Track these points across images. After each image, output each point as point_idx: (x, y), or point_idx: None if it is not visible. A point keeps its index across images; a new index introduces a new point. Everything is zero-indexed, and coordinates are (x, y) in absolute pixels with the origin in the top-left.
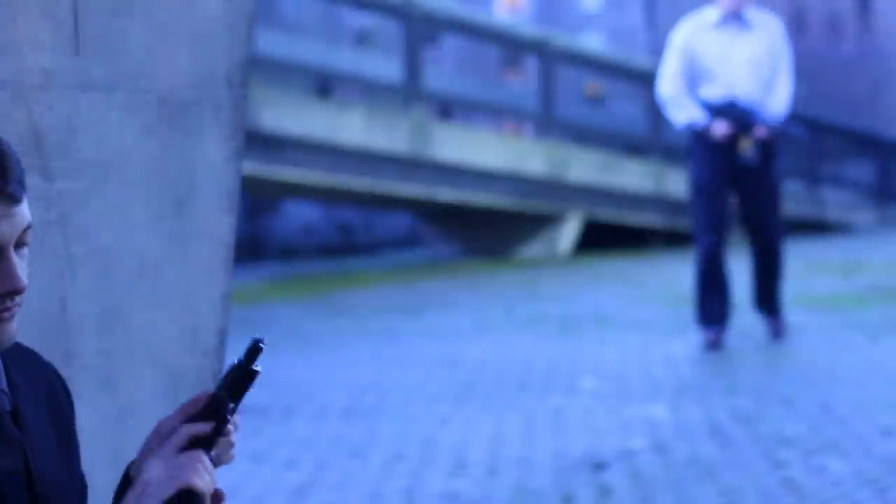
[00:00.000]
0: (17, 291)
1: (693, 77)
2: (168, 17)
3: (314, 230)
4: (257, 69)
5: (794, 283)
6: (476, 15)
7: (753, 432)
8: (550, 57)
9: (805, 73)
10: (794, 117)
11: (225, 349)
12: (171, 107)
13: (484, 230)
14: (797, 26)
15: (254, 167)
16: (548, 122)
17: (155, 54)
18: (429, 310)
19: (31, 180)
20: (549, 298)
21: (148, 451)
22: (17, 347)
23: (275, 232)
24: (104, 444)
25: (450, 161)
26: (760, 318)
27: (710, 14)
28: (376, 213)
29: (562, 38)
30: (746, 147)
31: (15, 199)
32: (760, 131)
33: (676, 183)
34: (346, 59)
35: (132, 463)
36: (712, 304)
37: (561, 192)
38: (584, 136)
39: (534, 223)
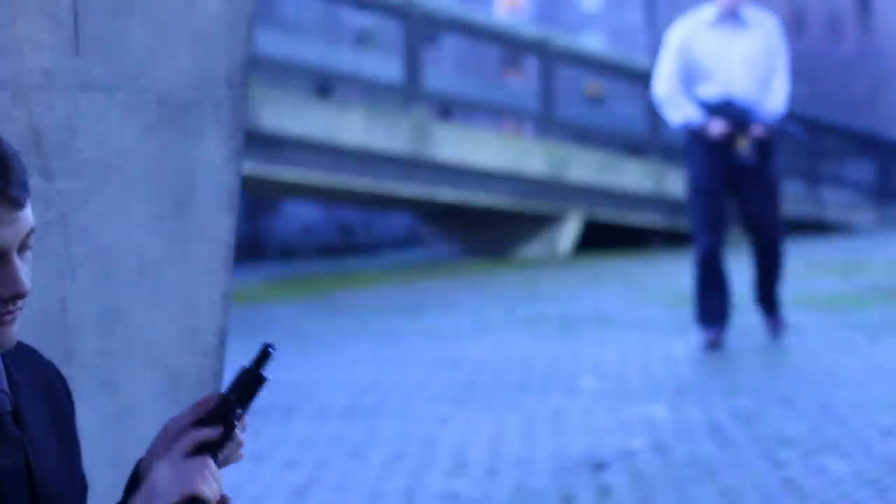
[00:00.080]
0: (20, 296)
1: (689, 76)
2: (168, 17)
3: (314, 230)
4: (257, 69)
5: (794, 283)
6: (476, 15)
7: (753, 432)
8: (550, 57)
9: (805, 73)
10: (792, 116)
11: (225, 349)
12: (171, 107)
13: (484, 230)
14: (797, 26)
15: (254, 167)
16: (548, 122)
17: (155, 54)
18: (429, 310)
19: (31, 180)
20: (549, 298)
21: (156, 450)
22: (18, 346)
23: (275, 232)
24: (104, 444)
25: (450, 161)
26: (760, 316)
27: (707, 12)
28: (376, 213)
29: (562, 38)
30: (743, 146)
31: (19, 204)
32: (757, 130)
33: (676, 183)
34: (346, 59)
35: (141, 461)
36: (712, 303)
37: (561, 192)
38: (584, 136)
39: (534, 223)
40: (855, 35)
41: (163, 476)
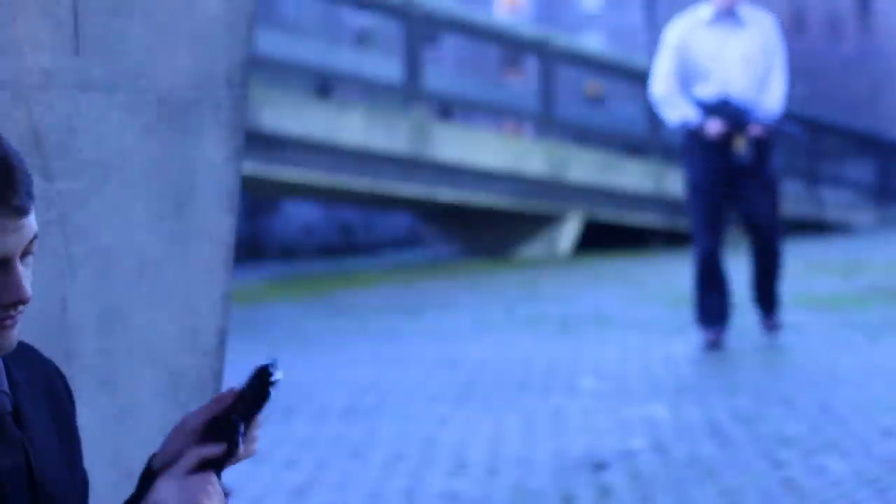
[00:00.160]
0: (22, 302)
1: (687, 75)
2: (168, 17)
3: (314, 230)
4: (257, 69)
5: (794, 283)
6: (476, 15)
7: (753, 432)
8: (550, 57)
9: (805, 73)
10: (790, 115)
11: (225, 349)
12: (171, 107)
13: (484, 230)
14: (797, 26)
15: (254, 167)
16: (548, 122)
17: (155, 54)
18: (429, 310)
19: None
20: (549, 298)
21: (171, 444)
22: (17, 345)
23: (275, 232)
24: (104, 444)
25: (450, 161)
26: (757, 316)
27: (704, 11)
28: (376, 213)
29: (562, 38)
30: (741, 145)
31: (23, 212)
32: (755, 129)
33: (676, 183)
34: (346, 59)
35: (154, 456)
36: (712, 303)
37: (561, 192)
38: (584, 136)
39: (534, 223)
40: (855, 35)
41: (167, 492)
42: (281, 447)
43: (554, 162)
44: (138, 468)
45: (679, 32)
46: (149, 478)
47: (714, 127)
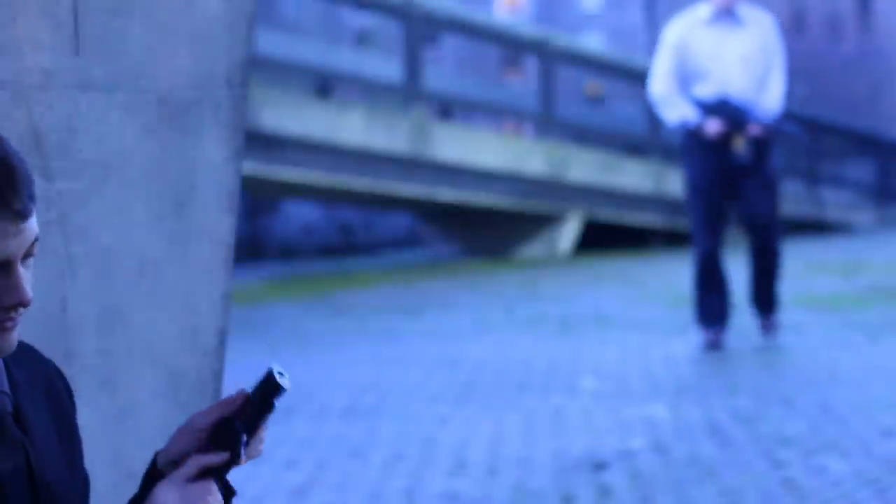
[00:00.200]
0: (23, 304)
1: (686, 75)
2: (168, 17)
3: (314, 230)
4: (257, 69)
5: (794, 283)
6: (476, 15)
7: (753, 432)
8: (550, 57)
9: (805, 72)
10: (789, 115)
11: (225, 349)
12: (171, 107)
13: (484, 230)
14: (797, 26)
15: (254, 167)
16: (548, 122)
17: (155, 54)
18: (429, 310)
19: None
20: (549, 298)
21: (177, 442)
22: (17, 345)
23: (275, 232)
24: (104, 444)
25: (450, 161)
26: (755, 316)
27: (703, 11)
28: (376, 213)
29: (562, 38)
30: (740, 145)
31: (25, 216)
32: (754, 129)
33: (676, 183)
34: (346, 59)
35: (159, 453)
36: (711, 304)
37: (561, 192)
38: (584, 136)
39: (534, 223)
40: (855, 35)
41: (167, 498)
42: (281, 447)
43: (554, 162)
44: (138, 468)
45: (678, 32)
46: (153, 475)
47: (713, 127)
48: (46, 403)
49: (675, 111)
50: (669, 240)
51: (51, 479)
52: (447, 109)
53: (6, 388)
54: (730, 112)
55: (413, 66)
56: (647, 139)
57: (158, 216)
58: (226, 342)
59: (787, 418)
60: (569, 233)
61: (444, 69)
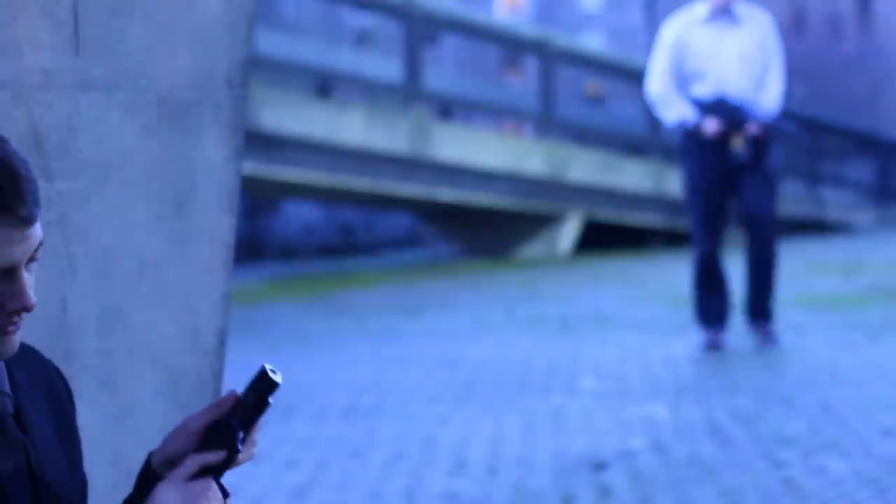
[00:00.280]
0: (26, 309)
1: (683, 74)
2: (168, 17)
3: (314, 230)
4: (257, 69)
5: (794, 283)
6: (476, 15)
7: (753, 432)
8: (550, 57)
9: (805, 72)
10: (787, 114)
11: (225, 349)
12: (171, 107)
13: (484, 230)
14: (797, 26)
15: (254, 167)
16: (548, 122)
17: (155, 54)
18: (429, 310)
19: None
20: (549, 298)
21: (170, 444)
22: (19, 346)
23: (275, 232)
24: (104, 444)
25: (450, 161)
26: (750, 325)
27: (700, 9)
28: (376, 213)
29: (562, 38)
30: (738, 144)
31: (30, 223)
32: (752, 128)
33: (676, 183)
34: (346, 59)
35: (153, 453)
36: (711, 304)
37: (561, 192)
38: (584, 136)
39: (534, 223)
40: (855, 35)
41: (168, 497)
42: (281, 447)
43: (554, 162)
44: (138, 468)
45: (675, 31)
46: (147, 475)
47: (711, 126)
48: (47, 404)
49: (673, 111)
50: (669, 240)
51: (51, 479)
52: (447, 109)
53: (7, 389)
54: (728, 111)
55: (413, 66)
56: (647, 139)
57: (158, 216)
58: (226, 342)
59: (787, 418)
60: (569, 233)
61: (444, 69)
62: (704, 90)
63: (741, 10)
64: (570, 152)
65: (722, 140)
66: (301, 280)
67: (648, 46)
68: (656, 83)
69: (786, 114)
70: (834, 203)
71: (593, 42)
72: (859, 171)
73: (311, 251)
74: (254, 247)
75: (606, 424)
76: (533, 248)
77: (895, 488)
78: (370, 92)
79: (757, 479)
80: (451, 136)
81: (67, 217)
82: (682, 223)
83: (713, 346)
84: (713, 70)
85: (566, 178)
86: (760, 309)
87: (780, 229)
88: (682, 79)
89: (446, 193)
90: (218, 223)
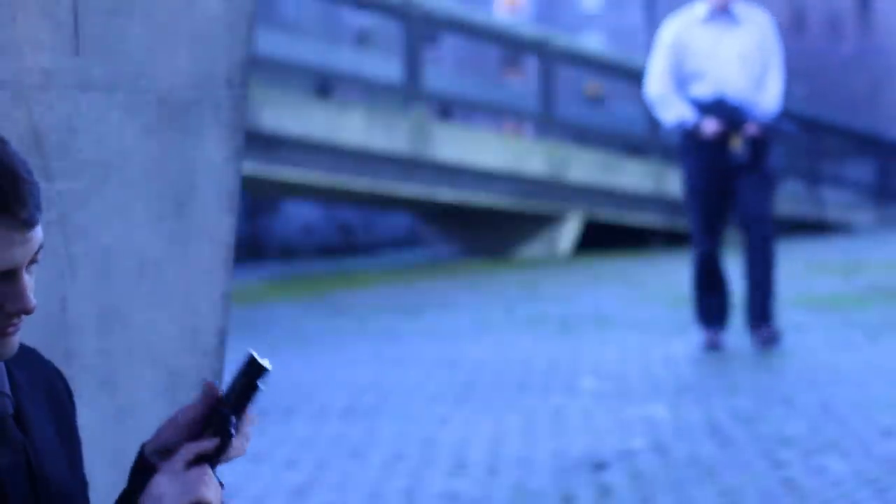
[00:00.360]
0: (26, 312)
1: (682, 74)
2: (168, 17)
3: (314, 230)
4: (257, 69)
5: (794, 283)
6: (476, 15)
7: (753, 432)
8: (550, 57)
9: (805, 72)
10: (786, 114)
11: (225, 349)
12: (171, 107)
13: (484, 230)
14: (797, 26)
15: (254, 167)
16: (548, 122)
17: (155, 54)
18: (429, 310)
19: None
20: (549, 298)
21: (163, 434)
22: (19, 346)
23: (275, 232)
24: (104, 444)
25: (450, 161)
26: (750, 329)
27: (699, 10)
28: (376, 213)
29: (562, 38)
30: (737, 144)
31: (32, 225)
32: (751, 128)
33: (676, 183)
34: (346, 59)
35: (145, 444)
36: (711, 304)
37: (561, 192)
38: (584, 136)
39: (534, 223)
40: (855, 34)
41: (167, 486)
42: (281, 447)
43: (554, 162)
44: None
45: (674, 31)
46: (141, 466)
47: (710, 126)
48: (47, 405)
49: (672, 111)
50: (669, 240)
51: (52, 479)
52: (447, 109)
53: (7, 389)
54: (727, 111)
55: (413, 66)
56: (647, 139)
57: (158, 216)
58: (226, 342)
59: (787, 418)
60: (569, 233)
61: (443, 69)
62: (704, 90)
63: (740, 10)
64: (570, 152)
65: (721, 140)
66: (301, 280)
67: (648, 46)
68: (655, 83)
69: (785, 114)
70: (834, 203)
71: (593, 42)
72: (859, 170)
73: (310, 251)
74: (254, 247)
75: (606, 424)
76: (533, 248)
77: (895, 488)
78: (370, 92)
79: (757, 479)
80: (450, 136)
81: (67, 217)
82: (682, 223)
83: (713, 346)
84: (712, 70)
85: (566, 178)
86: (761, 313)
87: (780, 229)
88: (681, 79)
89: (446, 193)
90: (218, 223)
